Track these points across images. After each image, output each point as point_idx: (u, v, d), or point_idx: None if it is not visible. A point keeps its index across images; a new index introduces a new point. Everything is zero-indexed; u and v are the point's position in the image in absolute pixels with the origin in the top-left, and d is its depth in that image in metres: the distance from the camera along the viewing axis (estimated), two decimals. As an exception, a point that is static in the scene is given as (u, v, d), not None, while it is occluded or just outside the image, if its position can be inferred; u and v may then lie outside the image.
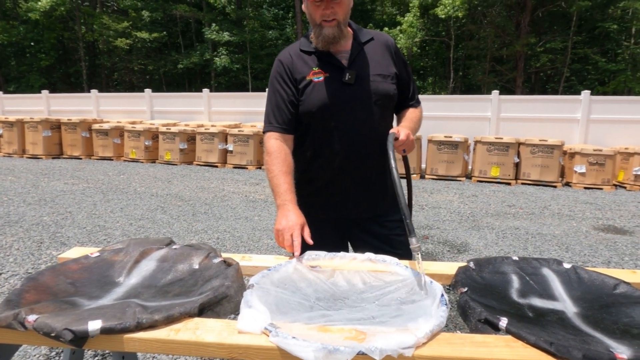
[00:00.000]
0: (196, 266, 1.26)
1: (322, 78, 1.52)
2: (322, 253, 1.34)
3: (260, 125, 9.94)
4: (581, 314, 1.08)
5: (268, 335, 0.89)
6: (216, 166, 8.96)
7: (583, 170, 7.41)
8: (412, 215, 1.77)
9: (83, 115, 11.47)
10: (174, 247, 1.35)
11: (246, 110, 11.03)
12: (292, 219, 1.37)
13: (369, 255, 1.33)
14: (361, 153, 1.54)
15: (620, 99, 9.52)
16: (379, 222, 1.64)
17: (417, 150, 8.17)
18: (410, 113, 1.66)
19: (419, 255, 1.20)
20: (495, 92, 9.40)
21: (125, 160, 9.61)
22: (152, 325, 0.92)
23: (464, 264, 1.29)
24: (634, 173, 7.25)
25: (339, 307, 1.13)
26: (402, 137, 1.44)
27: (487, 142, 7.76)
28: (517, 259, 1.33)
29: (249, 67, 19.02)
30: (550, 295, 1.17)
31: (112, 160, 9.63)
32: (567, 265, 1.29)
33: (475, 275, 1.24)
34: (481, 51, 18.71)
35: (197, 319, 0.97)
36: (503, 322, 0.95)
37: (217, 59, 18.11)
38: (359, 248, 1.63)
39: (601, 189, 7.24)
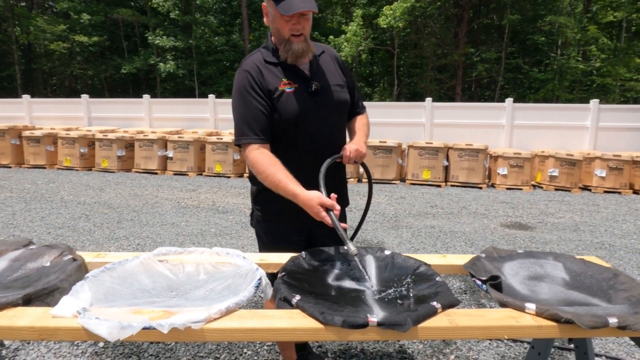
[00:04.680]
0: (47, 264, 1.35)
1: (292, 89, 1.59)
2: (173, 248, 1.46)
3: (201, 131, 9.90)
4: (377, 291, 1.27)
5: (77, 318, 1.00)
6: (156, 173, 8.83)
7: (505, 172, 7.97)
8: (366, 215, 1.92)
9: (14, 121, 10.92)
10: (31, 247, 1.43)
11: (189, 116, 10.95)
12: (311, 202, 1.42)
13: (217, 249, 1.47)
14: (324, 157, 1.63)
15: (540, 107, 10.33)
16: (341, 216, 1.80)
17: (355, 155, 8.47)
18: (359, 122, 1.82)
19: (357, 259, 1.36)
20: (429, 100, 9.91)
21: (59, 169, 9.25)
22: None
23: (297, 254, 1.46)
24: (549, 174, 7.89)
25: (172, 296, 1.26)
26: (345, 154, 1.63)
27: (418, 147, 8.17)
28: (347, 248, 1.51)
29: (195, 73, 18.79)
30: (361, 278, 1.36)
31: (45, 168, 9.25)
32: (387, 252, 1.49)
33: (304, 263, 1.41)
34: (423, 60, 19.55)
35: (20, 308, 1.06)
36: (295, 299, 1.12)
37: (161, 64, 17.77)
38: (319, 243, 1.69)
39: (521, 189, 7.81)
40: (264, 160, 1.54)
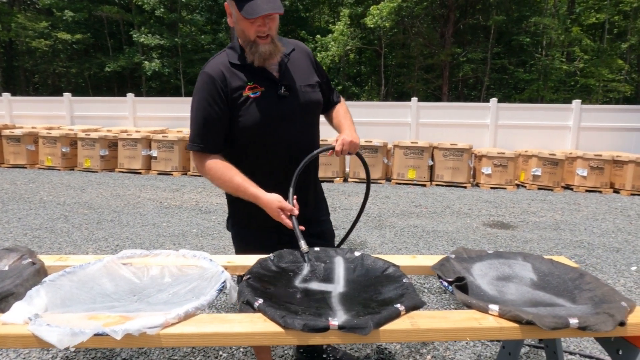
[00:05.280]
0: (5, 268, 1.31)
1: (258, 93, 1.53)
2: (138, 251, 1.43)
3: (186, 130, 9.80)
4: (344, 293, 1.26)
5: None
6: (140, 173, 8.72)
7: (489, 171, 8.04)
8: (364, 208, 1.85)
9: (-7, 120, 10.70)
10: (-10, 251, 1.39)
11: (173, 115, 10.82)
12: (272, 204, 1.45)
13: (184, 251, 1.45)
14: (297, 162, 1.56)
15: (524, 107, 10.43)
16: (312, 221, 1.75)
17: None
18: (340, 111, 1.77)
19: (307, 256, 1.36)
20: (414, 99, 9.95)
21: (40, 168, 9.08)
22: None
23: (265, 256, 1.44)
24: (532, 173, 7.98)
25: (133, 300, 1.23)
26: (337, 147, 1.56)
27: (404, 147, 8.20)
28: (318, 249, 1.50)
29: (181, 72, 18.60)
30: (328, 279, 1.35)
31: (25, 168, 9.07)
32: (357, 254, 1.48)
33: (271, 265, 1.39)
34: (410, 60, 19.64)
35: (-31, 315, 1.03)
36: (258, 302, 1.10)
37: (146, 62, 17.54)
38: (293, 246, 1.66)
39: (505, 188, 7.88)
40: (218, 166, 1.53)
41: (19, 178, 7.79)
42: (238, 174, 1.51)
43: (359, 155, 1.70)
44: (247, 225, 1.69)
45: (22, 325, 0.98)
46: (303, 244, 1.35)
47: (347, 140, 1.57)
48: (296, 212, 1.41)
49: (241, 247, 1.74)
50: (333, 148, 1.57)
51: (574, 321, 1.03)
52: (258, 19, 1.44)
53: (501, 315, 1.08)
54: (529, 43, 18.98)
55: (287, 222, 1.41)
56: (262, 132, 1.55)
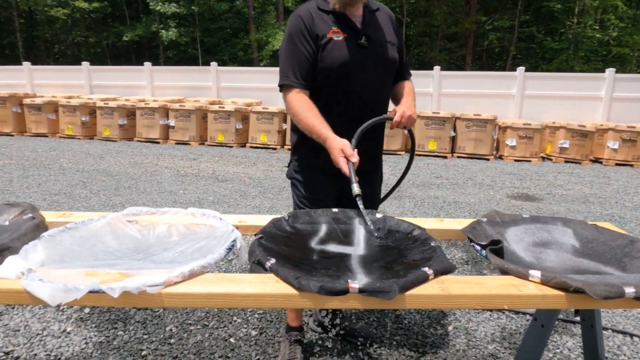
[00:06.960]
0: (6, 223, 1.24)
1: (341, 38, 1.59)
2: (145, 208, 1.35)
3: (203, 100, 9.71)
4: (363, 256, 1.15)
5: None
6: (157, 142, 8.72)
7: (514, 143, 7.75)
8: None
9: (15, 89, 10.78)
10: (-9, 206, 1.32)
11: (191, 84, 10.73)
12: (336, 144, 1.43)
13: (192, 210, 1.35)
14: (367, 113, 1.60)
15: (553, 76, 9.94)
16: (367, 179, 1.73)
17: (359, 125, 8.26)
18: (406, 87, 1.77)
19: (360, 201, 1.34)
20: (437, 68, 9.58)
21: (61, 137, 9.17)
22: None
23: (279, 216, 1.34)
24: (559, 146, 7.66)
25: (138, 258, 1.15)
26: (396, 118, 1.57)
27: (425, 117, 7.93)
28: (336, 210, 1.39)
29: (198, 41, 18.35)
30: (347, 242, 1.24)
31: (47, 137, 9.16)
32: (378, 215, 1.36)
33: (286, 226, 1.28)
34: (433, 29, 18.90)
35: (-39, 269, 0.95)
36: (269, 262, 1.00)
37: (163, 31, 17.34)
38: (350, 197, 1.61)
39: (530, 161, 7.60)
40: (302, 104, 1.56)
41: (40, 146, 7.88)
42: (316, 116, 1.53)
43: (410, 132, 1.72)
44: (315, 170, 1.72)
45: (14, 280, 0.90)
46: (356, 187, 1.33)
47: (407, 113, 1.58)
48: (354, 159, 1.38)
49: (303, 193, 1.77)
50: (392, 119, 1.58)
51: (629, 290, 0.90)
52: None
53: (544, 282, 0.96)
54: (560, 10, 17.96)
55: (343, 166, 1.38)
56: (338, 76, 1.59)
